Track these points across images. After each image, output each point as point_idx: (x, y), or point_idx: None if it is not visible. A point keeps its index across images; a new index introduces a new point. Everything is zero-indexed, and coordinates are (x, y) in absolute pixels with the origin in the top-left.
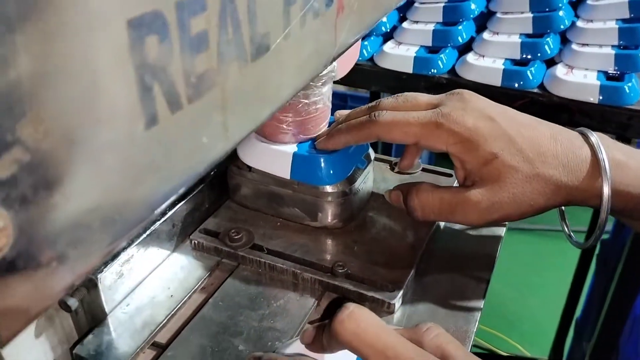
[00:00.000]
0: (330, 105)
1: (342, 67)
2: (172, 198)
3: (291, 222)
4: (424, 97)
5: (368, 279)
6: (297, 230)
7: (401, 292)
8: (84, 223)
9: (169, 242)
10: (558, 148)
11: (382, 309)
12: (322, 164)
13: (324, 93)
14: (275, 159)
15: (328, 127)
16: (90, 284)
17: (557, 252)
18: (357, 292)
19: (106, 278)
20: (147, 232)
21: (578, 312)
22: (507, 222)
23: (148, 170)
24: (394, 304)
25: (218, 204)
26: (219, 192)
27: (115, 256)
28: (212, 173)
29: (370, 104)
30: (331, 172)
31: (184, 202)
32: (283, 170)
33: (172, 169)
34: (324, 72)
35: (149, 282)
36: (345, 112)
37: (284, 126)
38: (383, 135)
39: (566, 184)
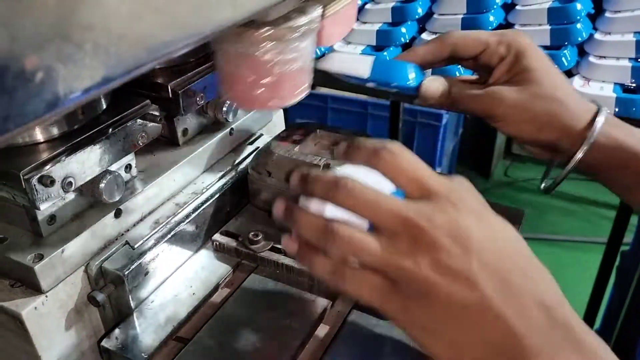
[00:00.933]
0: (312, 66)
1: (336, 27)
2: (173, 53)
3: None
4: None
5: None
6: None
7: None
8: (75, 40)
9: (192, 243)
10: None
11: None
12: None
13: (303, 49)
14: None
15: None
16: (118, 281)
17: (576, 263)
18: None
19: (132, 275)
20: (172, 232)
21: (597, 323)
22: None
23: (149, 8)
24: None
25: (239, 208)
26: (240, 196)
27: (141, 254)
28: (232, 178)
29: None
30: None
31: (206, 204)
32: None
33: (175, 16)
34: (303, 21)
35: (173, 280)
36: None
37: (256, 90)
38: None
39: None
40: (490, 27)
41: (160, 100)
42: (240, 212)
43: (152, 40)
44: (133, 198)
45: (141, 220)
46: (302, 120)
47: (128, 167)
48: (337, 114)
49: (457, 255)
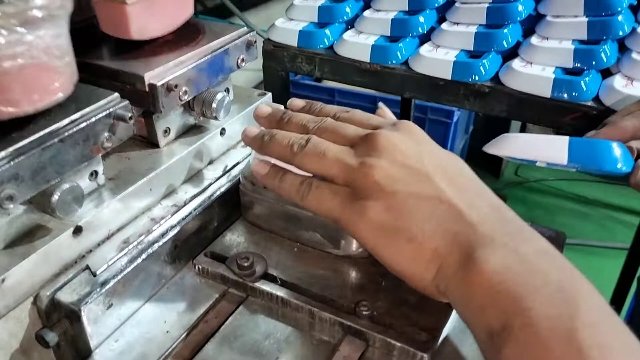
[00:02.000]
0: (57, 63)
1: (153, 15)
2: None
3: (310, 248)
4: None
5: (397, 323)
6: (317, 258)
7: (437, 344)
8: None
9: (169, 266)
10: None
11: None
12: None
13: (31, 42)
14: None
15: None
16: (73, 315)
17: (590, 269)
18: (383, 339)
19: (91, 309)
20: (145, 254)
21: None
22: None
23: None
24: (427, 358)
25: (229, 223)
26: (231, 208)
27: (105, 282)
28: (222, 187)
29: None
30: None
31: (189, 219)
32: None
33: None
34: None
35: (143, 314)
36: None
37: None
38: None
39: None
40: (518, 18)
41: (135, 93)
42: (229, 227)
43: None
44: (98, 212)
45: (107, 238)
46: None
47: (93, 175)
48: None
49: (413, 156)
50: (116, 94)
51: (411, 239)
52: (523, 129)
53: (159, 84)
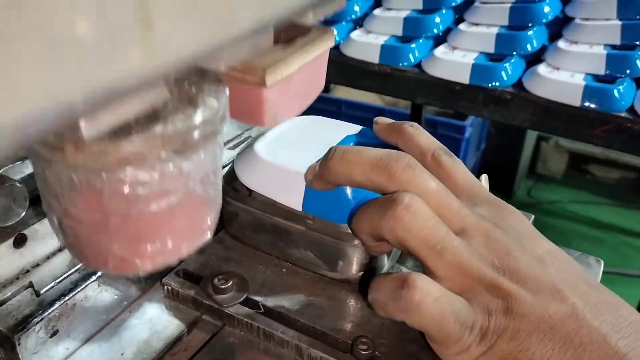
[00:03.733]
0: (211, 192)
1: (289, 99)
2: None
3: (301, 269)
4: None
5: None
6: (309, 281)
7: None
8: None
9: (132, 286)
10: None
11: None
12: (349, 195)
13: (184, 170)
14: (285, 184)
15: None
16: (7, 344)
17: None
18: None
19: (30, 338)
20: (100, 272)
21: None
22: None
23: None
24: None
25: None
26: None
27: (50, 304)
28: None
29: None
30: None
31: None
32: (294, 199)
33: None
34: (198, 120)
35: (96, 343)
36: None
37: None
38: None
39: None
40: (544, 20)
41: None
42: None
43: None
44: (45, 218)
45: (58, 250)
46: None
47: None
48: (351, 120)
49: (535, 266)
50: None
51: None
52: (537, 146)
53: None
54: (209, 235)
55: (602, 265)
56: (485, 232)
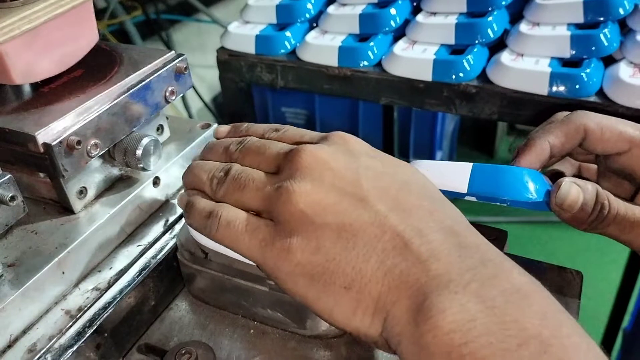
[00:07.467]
0: None
1: (56, 48)
2: None
3: (270, 327)
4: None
5: None
6: (279, 341)
7: None
8: None
9: None
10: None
11: None
12: None
13: None
14: None
15: None
16: None
17: (601, 249)
18: None
19: None
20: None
21: (626, 321)
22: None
23: None
24: None
25: (171, 297)
26: (172, 278)
27: None
28: (158, 254)
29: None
30: None
31: (116, 304)
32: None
33: None
34: None
35: None
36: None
37: None
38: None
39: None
40: (504, 2)
41: (29, 157)
42: (171, 304)
43: None
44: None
45: (8, 347)
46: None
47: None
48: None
49: (346, 174)
50: None
51: (348, 286)
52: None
53: (54, 142)
54: None
55: (507, 237)
56: (297, 153)
